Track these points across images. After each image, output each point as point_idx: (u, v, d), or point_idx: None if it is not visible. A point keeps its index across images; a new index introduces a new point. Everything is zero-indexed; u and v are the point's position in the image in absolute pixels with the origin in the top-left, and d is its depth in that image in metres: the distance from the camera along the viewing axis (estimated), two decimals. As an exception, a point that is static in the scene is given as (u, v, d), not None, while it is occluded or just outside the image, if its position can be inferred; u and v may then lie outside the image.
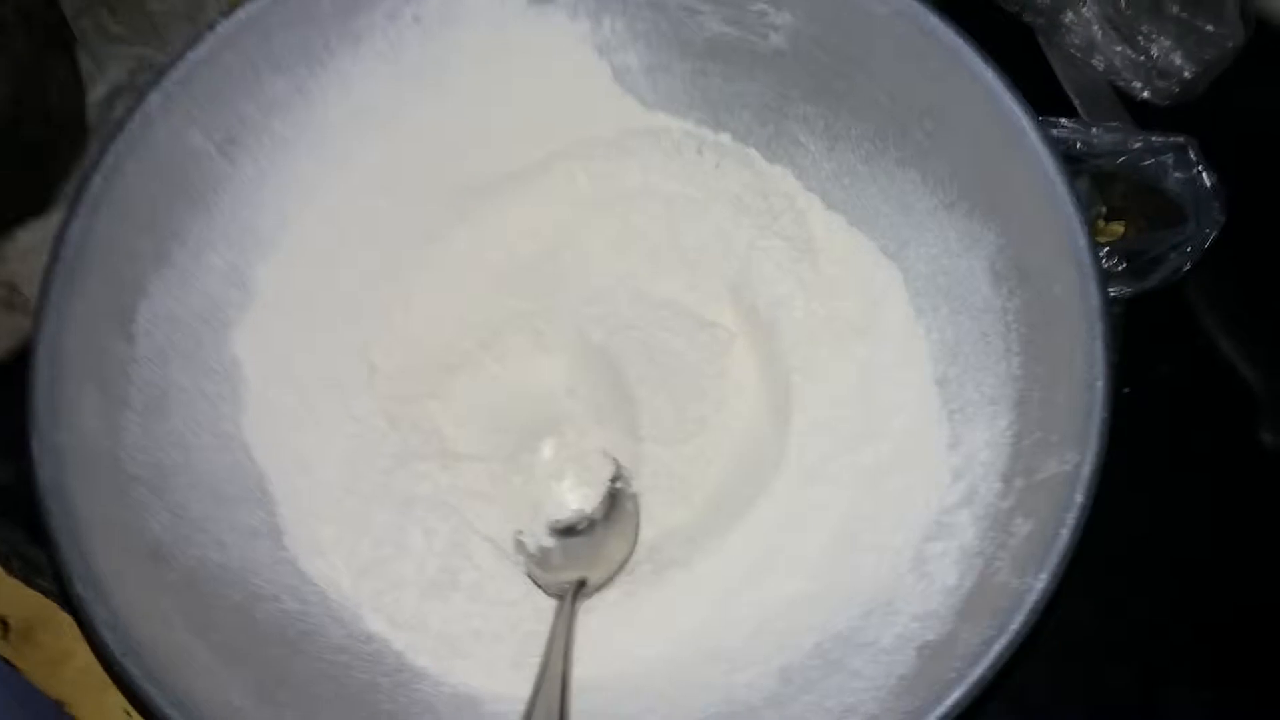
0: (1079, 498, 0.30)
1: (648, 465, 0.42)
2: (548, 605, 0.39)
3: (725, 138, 0.44)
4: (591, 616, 0.38)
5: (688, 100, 0.44)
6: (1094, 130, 0.41)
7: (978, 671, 0.29)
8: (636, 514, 0.41)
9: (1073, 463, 0.31)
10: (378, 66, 0.41)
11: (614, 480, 0.41)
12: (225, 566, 0.35)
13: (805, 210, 0.43)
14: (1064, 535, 0.30)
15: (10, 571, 0.41)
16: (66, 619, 0.40)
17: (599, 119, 0.44)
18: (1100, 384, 0.31)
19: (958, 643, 0.30)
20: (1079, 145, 0.41)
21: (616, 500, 0.41)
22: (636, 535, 0.41)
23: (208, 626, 0.33)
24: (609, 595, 0.39)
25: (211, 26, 0.36)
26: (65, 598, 0.37)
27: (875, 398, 0.40)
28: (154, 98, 0.36)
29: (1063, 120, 0.42)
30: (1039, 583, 0.29)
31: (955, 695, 0.28)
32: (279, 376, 0.40)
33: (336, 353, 0.41)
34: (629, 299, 0.44)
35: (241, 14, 0.36)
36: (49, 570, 0.41)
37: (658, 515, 0.41)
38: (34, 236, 0.42)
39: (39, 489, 0.31)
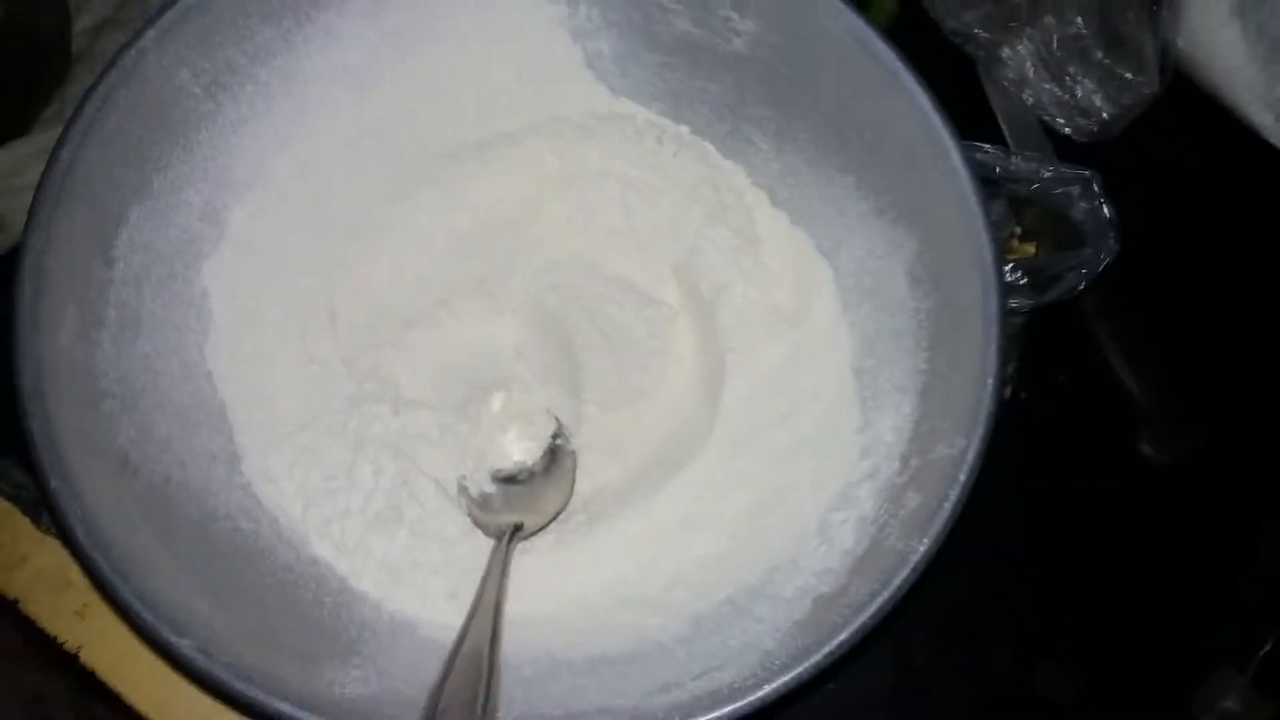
0: (962, 476, 0.35)
1: (587, 426, 0.45)
2: (485, 545, 0.42)
3: (685, 130, 0.47)
4: (526, 558, 0.42)
5: (653, 91, 0.47)
6: (1013, 158, 0.45)
7: (861, 619, 0.33)
8: (574, 469, 0.44)
9: (959, 447, 0.35)
10: (361, 25, 0.43)
11: (555, 437, 0.44)
12: (185, 485, 0.37)
13: (753, 205, 0.47)
14: (946, 508, 0.34)
15: (-34, 477, 0.42)
16: (24, 522, 0.41)
17: (568, 100, 0.47)
18: (990, 381, 0.36)
19: (847, 594, 0.34)
20: (998, 170, 0.45)
21: (556, 455, 0.44)
22: (572, 488, 0.44)
23: (169, 535, 0.35)
24: (543, 540, 0.43)
25: (209, -27, 0.38)
26: (25, 501, 0.39)
27: (799, 381, 0.44)
28: (150, 34, 0.38)
29: (986, 146, 0.46)
30: (921, 546, 0.34)
31: (841, 637, 0.32)
32: (245, 313, 0.42)
33: (301, 296, 0.44)
34: (582, 271, 0.47)
35: (238, -35, 0.38)
36: (7, 475, 0.42)
37: (594, 472, 0.45)
38: (14, 157, 0.43)
39: (19, 391, 0.33)
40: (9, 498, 0.41)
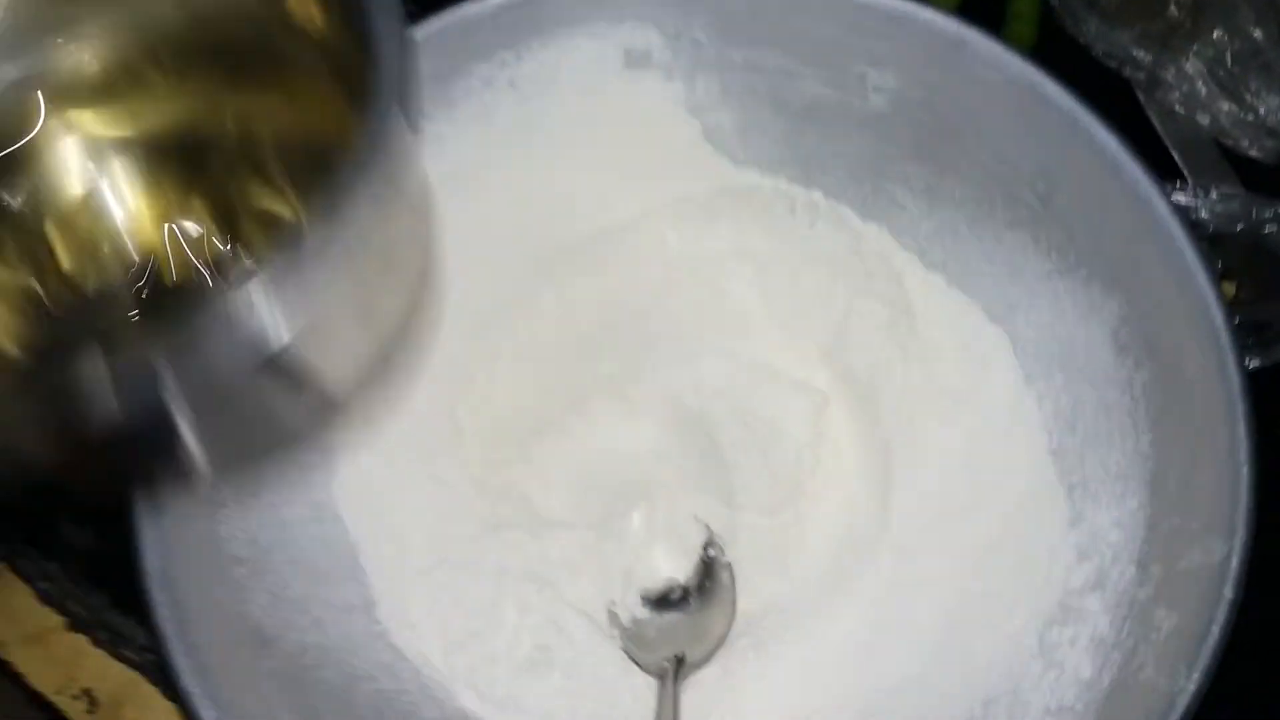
0: (1228, 593, 0.29)
1: (743, 534, 0.41)
2: (645, 684, 0.37)
3: (818, 195, 0.43)
4: (689, 695, 0.37)
5: (779, 157, 0.43)
6: (1213, 195, 0.39)
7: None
8: (732, 585, 0.40)
9: (1219, 554, 0.29)
10: (471, 129, 0.40)
11: (707, 548, 0.40)
12: (324, 647, 0.34)
13: (902, 270, 0.42)
14: (1215, 633, 0.28)
15: (96, 642, 0.40)
16: (153, 691, 0.39)
17: (688, 178, 0.43)
18: (1245, 470, 0.30)
19: (1103, 747, 0.29)
20: (1201, 213, 0.39)
21: (711, 570, 0.40)
22: (734, 607, 0.39)
23: (310, 713, 0.32)
24: (707, 673, 0.38)
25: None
26: (163, 678, 0.36)
27: (982, 467, 0.39)
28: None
29: (1178, 184, 0.41)
30: (1191, 684, 0.28)
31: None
32: (369, 442, 0.39)
33: (424, 415, 0.41)
34: (719, 362, 0.43)
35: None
36: (132, 638, 0.40)
37: (755, 586, 0.40)
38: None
39: (144, 578, 0.30)
40: (134, 665, 0.39)
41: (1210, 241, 0.41)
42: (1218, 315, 0.31)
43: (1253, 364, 0.39)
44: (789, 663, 0.38)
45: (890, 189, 0.42)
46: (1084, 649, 0.32)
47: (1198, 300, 0.32)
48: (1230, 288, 0.42)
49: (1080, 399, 0.37)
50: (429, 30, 0.37)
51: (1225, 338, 0.31)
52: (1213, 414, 0.31)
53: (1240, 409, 0.30)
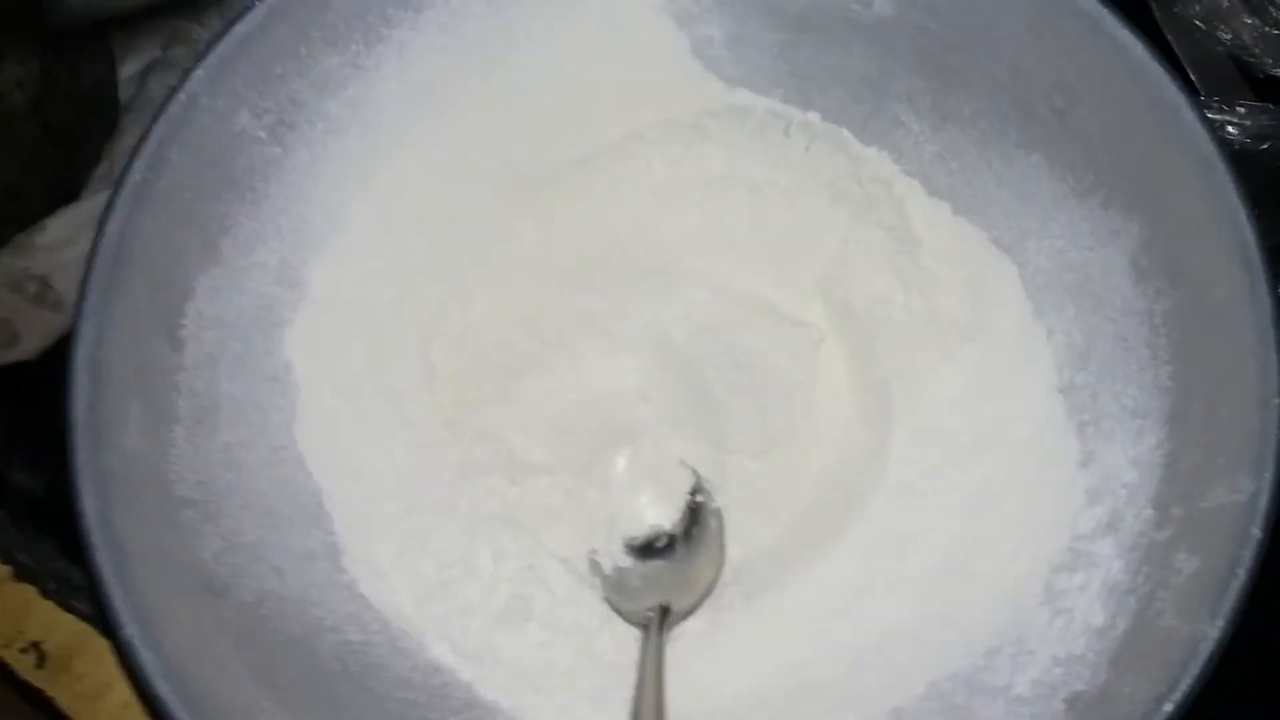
0: (1256, 532, 0.26)
1: (732, 478, 0.39)
2: (628, 634, 0.35)
3: (815, 117, 0.40)
4: (677, 647, 0.35)
5: (774, 75, 0.40)
6: (1240, 109, 0.37)
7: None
8: (721, 532, 0.38)
9: (1247, 491, 0.27)
10: (439, 39, 0.37)
11: (694, 494, 0.38)
12: (283, 596, 0.32)
13: (904, 197, 0.39)
14: (1241, 575, 0.26)
15: (45, 593, 0.38)
16: (106, 645, 0.37)
17: (676, 98, 0.40)
18: (1277, 401, 0.27)
19: (1119, 699, 0.27)
20: (1227, 128, 0.37)
21: (698, 516, 0.38)
22: (723, 555, 0.37)
23: (268, 668, 0.29)
24: (693, 623, 0.36)
25: (261, -4, 0.33)
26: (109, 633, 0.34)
27: (987, 406, 0.37)
28: (199, 75, 0.32)
29: (1200, 98, 0.38)
30: (1215, 630, 0.26)
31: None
32: (334, 381, 0.37)
33: (394, 355, 0.38)
34: (709, 295, 0.40)
35: (294, -19, 0.33)
36: (87, 592, 0.38)
37: (745, 533, 0.38)
38: (65, 225, 0.39)
39: (82, 521, 0.27)
40: (85, 617, 0.37)
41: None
42: (1250, 235, 0.29)
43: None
44: (779, 613, 0.36)
45: (893, 108, 0.39)
46: (1095, 595, 0.30)
47: (1229, 219, 0.29)
48: (1250, 219, 0.40)
49: (1094, 331, 0.34)
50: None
51: (1258, 260, 0.29)
52: (1242, 343, 0.29)
53: (1273, 336, 0.28)
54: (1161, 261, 0.32)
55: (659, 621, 0.35)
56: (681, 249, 0.41)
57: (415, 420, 0.38)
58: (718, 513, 0.38)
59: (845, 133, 0.40)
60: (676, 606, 0.36)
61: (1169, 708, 0.25)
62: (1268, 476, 0.27)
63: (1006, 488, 0.35)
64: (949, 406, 0.37)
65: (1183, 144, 0.30)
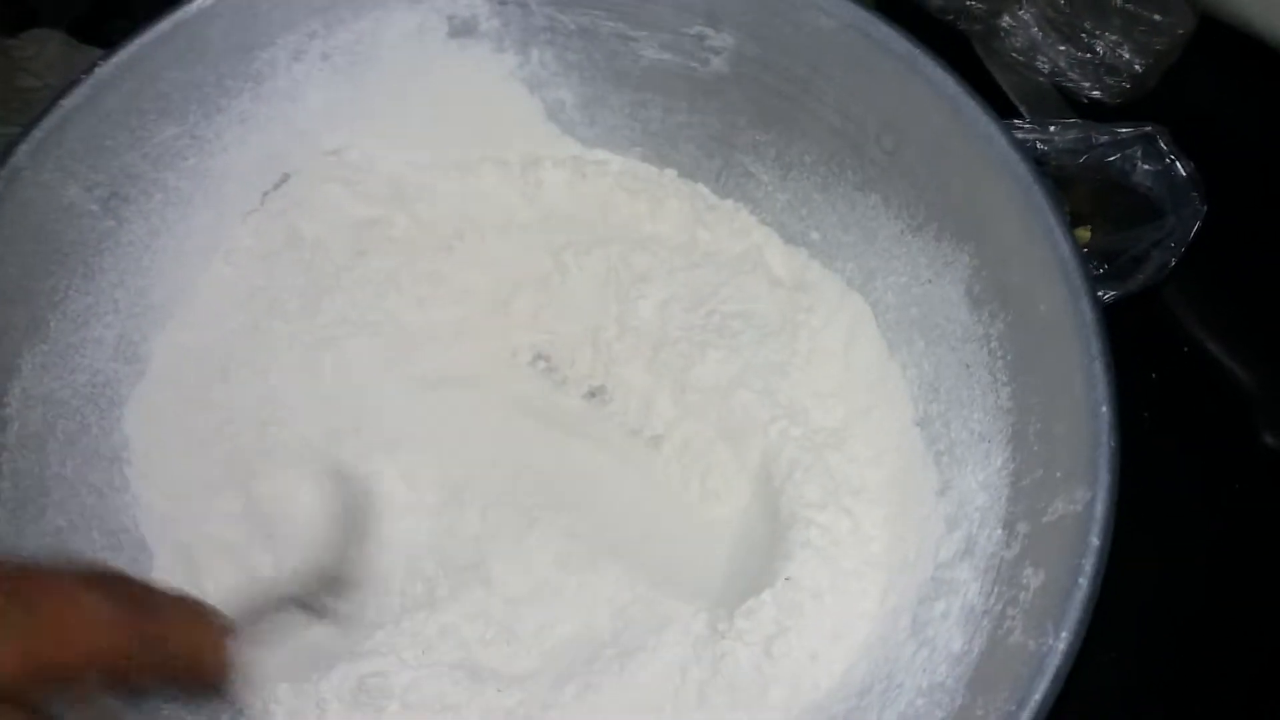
0: (1095, 540, 0.26)
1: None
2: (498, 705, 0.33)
3: (671, 173, 0.41)
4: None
5: (630, 135, 0.41)
6: (1052, 129, 0.38)
7: (999, 755, 0.24)
8: None
9: (1083, 500, 0.27)
10: (283, 109, 0.37)
11: None
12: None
13: (762, 245, 0.40)
14: (1082, 585, 0.26)
15: None
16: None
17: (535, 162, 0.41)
18: (1105, 409, 0.28)
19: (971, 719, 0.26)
20: (1038, 146, 0.38)
21: None
22: None
23: None
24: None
25: (89, 70, 0.33)
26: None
27: (857, 449, 0.36)
28: (22, 149, 0.32)
29: (1017, 121, 0.39)
30: (1060, 642, 0.25)
31: (978, 787, 0.24)
32: (178, 460, 0.35)
33: (241, 431, 0.37)
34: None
35: (121, 54, 0.33)
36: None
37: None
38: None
39: None
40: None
41: (1055, 184, 0.39)
42: (1068, 251, 0.30)
43: (1108, 296, 0.37)
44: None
45: (741, 160, 0.40)
46: (955, 621, 0.29)
47: (1046, 237, 0.30)
48: (1085, 233, 0.41)
49: (941, 361, 0.35)
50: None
51: (1074, 269, 0.29)
52: (1068, 354, 0.29)
53: (1095, 345, 0.28)
54: (992, 286, 0.32)
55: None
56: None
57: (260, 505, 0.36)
58: None
59: (702, 187, 0.41)
60: None
61: (1019, 728, 0.24)
62: (1102, 484, 0.27)
63: (878, 527, 0.35)
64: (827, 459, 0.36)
65: (998, 170, 0.31)
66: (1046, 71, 0.43)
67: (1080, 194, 0.39)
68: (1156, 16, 0.42)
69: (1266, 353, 0.42)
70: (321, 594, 0.33)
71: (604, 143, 0.41)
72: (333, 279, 0.38)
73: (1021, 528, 0.29)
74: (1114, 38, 0.42)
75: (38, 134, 0.32)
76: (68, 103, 0.32)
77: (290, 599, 0.32)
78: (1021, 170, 0.30)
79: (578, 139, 0.41)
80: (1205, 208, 0.38)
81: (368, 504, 0.36)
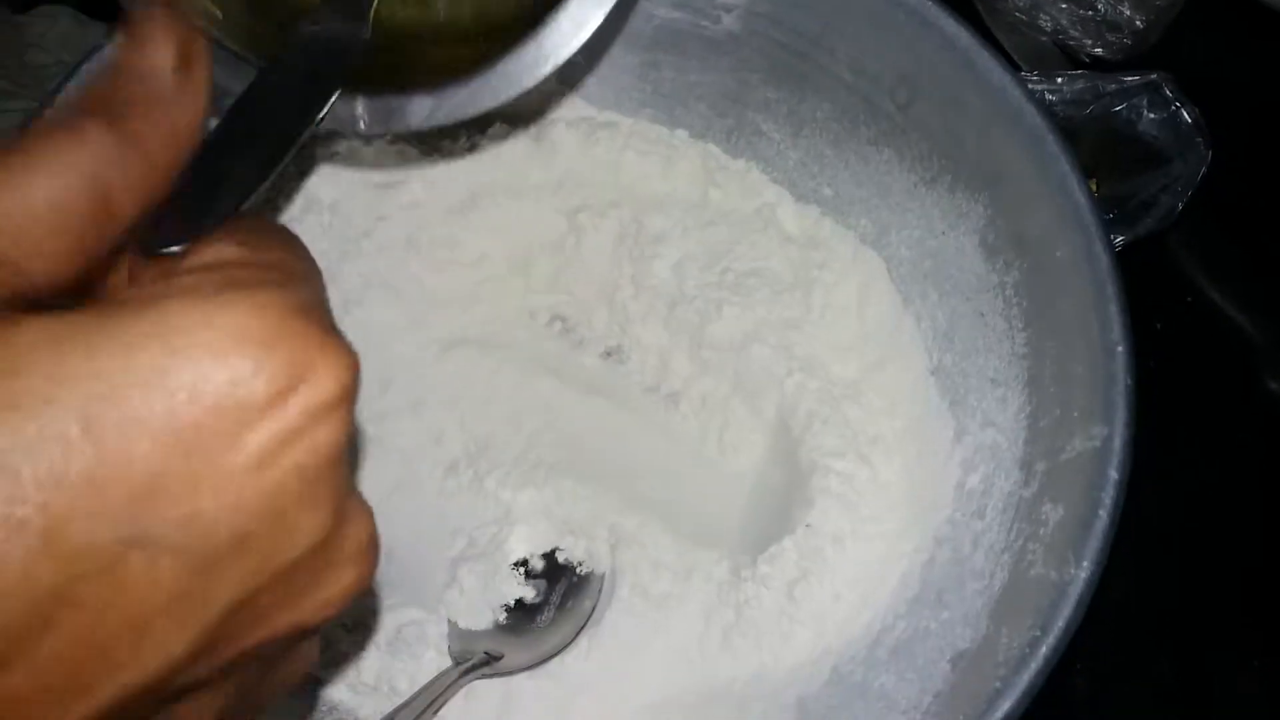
0: (1113, 473, 0.27)
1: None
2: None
3: (682, 134, 0.41)
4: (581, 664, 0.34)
5: (640, 96, 0.41)
6: (1059, 79, 0.39)
7: (1025, 679, 0.25)
8: (597, 597, 0.35)
9: (1100, 436, 0.28)
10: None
11: (578, 565, 0.36)
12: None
13: (775, 204, 0.41)
14: (1102, 516, 0.27)
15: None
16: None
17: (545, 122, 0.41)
18: (1121, 348, 0.29)
19: (997, 649, 0.27)
20: (1047, 97, 0.39)
21: (577, 589, 0.35)
22: (587, 620, 0.35)
23: None
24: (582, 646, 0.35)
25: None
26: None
27: (873, 400, 0.37)
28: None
29: (1028, 74, 0.40)
30: (1082, 571, 0.26)
31: (1004, 708, 0.25)
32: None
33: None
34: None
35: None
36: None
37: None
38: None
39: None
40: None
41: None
42: (1081, 198, 0.30)
43: (1118, 240, 0.38)
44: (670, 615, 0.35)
45: (753, 119, 0.40)
46: (977, 559, 0.30)
47: (1060, 185, 0.31)
48: (1091, 185, 0.42)
49: (955, 311, 0.35)
50: None
51: (1090, 220, 0.30)
52: (1083, 298, 0.30)
53: (1110, 289, 0.29)
54: (1007, 235, 0.33)
55: (474, 665, 0.33)
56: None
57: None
58: (601, 578, 0.35)
59: (714, 147, 0.41)
60: (509, 661, 0.34)
61: (1044, 651, 0.25)
62: (1119, 420, 0.28)
63: (896, 474, 0.35)
64: (846, 410, 0.37)
65: (1012, 121, 0.32)
66: (1049, 30, 0.44)
67: (1087, 147, 0.39)
68: (1158, -30, 0.43)
69: (1270, 299, 0.43)
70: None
71: (615, 104, 0.41)
72: (353, 244, 0.39)
73: (1039, 466, 0.30)
74: (1114, -7, 0.43)
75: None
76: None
77: None
78: (1035, 120, 0.31)
79: (589, 100, 0.41)
80: (1210, 152, 0.38)
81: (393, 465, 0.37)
